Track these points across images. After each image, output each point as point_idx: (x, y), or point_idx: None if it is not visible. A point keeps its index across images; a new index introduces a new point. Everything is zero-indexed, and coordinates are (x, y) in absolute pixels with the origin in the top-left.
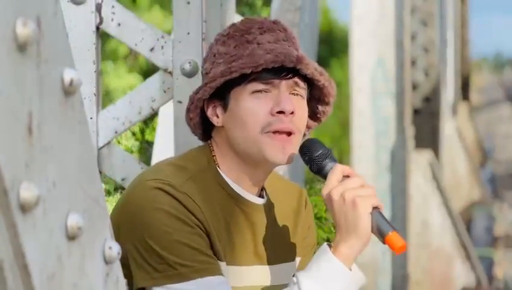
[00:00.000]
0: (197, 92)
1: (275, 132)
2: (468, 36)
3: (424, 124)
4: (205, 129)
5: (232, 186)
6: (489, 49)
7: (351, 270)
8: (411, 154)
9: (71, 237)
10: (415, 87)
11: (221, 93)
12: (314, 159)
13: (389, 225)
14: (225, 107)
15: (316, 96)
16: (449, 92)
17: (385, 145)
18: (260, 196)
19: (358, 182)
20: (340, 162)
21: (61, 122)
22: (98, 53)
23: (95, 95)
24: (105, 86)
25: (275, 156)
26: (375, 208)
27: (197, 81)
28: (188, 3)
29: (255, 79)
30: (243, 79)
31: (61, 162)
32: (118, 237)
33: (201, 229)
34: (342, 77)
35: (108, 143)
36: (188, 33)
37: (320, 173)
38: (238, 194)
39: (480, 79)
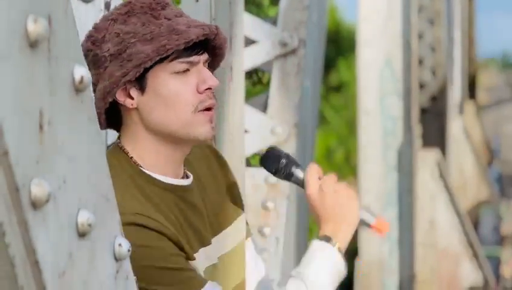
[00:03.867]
0: (124, 74)
1: (205, 109)
2: (475, 35)
3: (431, 123)
4: (108, 116)
5: (161, 179)
6: (496, 49)
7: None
8: (418, 153)
9: (81, 234)
10: (422, 86)
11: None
12: (282, 169)
13: (369, 213)
14: (142, 89)
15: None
16: (456, 91)
17: (392, 144)
18: (184, 177)
19: (334, 178)
20: (347, 161)
21: (72, 119)
22: None
23: None
24: None
25: (206, 132)
26: None
27: None
28: (197, 1)
29: (175, 58)
30: (162, 59)
31: (71, 159)
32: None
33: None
34: (349, 76)
35: None
36: None
37: (290, 179)
38: (170, 184)
39: (488, 78)
